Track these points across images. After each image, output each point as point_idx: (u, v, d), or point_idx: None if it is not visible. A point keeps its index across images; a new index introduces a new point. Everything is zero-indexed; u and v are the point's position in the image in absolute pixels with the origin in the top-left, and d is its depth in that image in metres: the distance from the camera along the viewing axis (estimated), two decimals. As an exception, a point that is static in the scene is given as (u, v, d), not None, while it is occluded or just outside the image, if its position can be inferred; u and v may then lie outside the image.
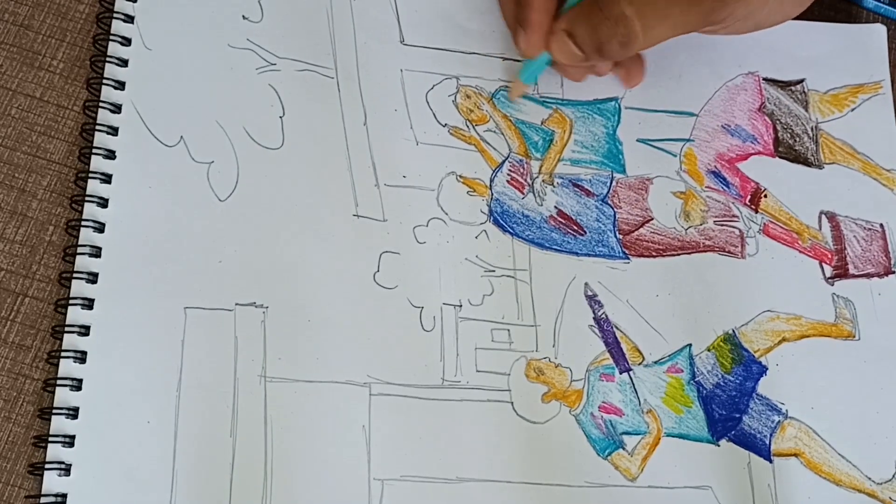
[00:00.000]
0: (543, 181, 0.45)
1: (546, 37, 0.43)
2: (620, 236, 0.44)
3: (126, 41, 0.43)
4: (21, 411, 0.38)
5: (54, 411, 0.37)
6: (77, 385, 0.37)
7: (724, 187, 0.46)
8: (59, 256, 0.40)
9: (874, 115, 0.49)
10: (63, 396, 0.37)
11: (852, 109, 0.49)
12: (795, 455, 0.42)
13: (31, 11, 0.44)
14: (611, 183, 0.45)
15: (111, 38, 0.43)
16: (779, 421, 0.42)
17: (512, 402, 0.41)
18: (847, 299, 0.45)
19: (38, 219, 0.41)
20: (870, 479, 0.42)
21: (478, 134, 0.45)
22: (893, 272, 0.46)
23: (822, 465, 0.42)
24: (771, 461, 0.41)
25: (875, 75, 0.50)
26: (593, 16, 0.41)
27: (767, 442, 0.42)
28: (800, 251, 0.46)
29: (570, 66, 0.45)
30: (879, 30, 0.50)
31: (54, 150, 0.42)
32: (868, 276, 0.46)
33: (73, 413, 0.37)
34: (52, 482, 0.36)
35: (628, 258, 0.44)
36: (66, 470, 0.36)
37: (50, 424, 0.37)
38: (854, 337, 0.44)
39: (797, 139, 0.48)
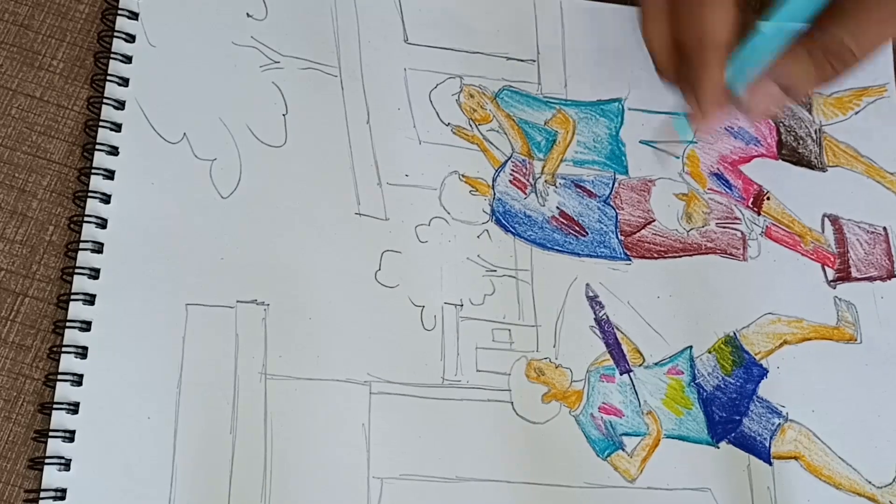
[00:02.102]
0: (546, 181, 0.45)
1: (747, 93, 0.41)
2: (622, 237, 0.44)
3: (130, 38, 0.43)
4: (21, 411, 0.38)
5: (55, 406, 0.37)
6: (78, 380, 0.37)
7: (727, 189, 0.46)
8: (59, 256, 0.40)
9: (878, 118, 0.49)
10: (64, 392, 0.37)
11: (856, 112, 0.49)
12: (795, 458, 0.42)
13: (31, 11, 0.43)
14: (613, 184, 0.45)
15: (115, 34, 0.43)
16: (779, 424, 0.42)
17: (512, 402, 0.41)
18: (849, 302, 0.45)
19: (38, 219, 0.40)
20: (870, 482, 0.42)
21: (481, 133, 0.45)
22: (896, 276, 0.46)
23: (822, 468, 0.42)
24: (771, 464, 0.41)
25: (879, 79, 0.50)
26: (815, 56, 0.39)
27: (767, 444, 0.42)
28: (802, 254, 0.46)
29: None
30: (884, 34, 0.50)
31: (54, 149, 0.42)
32: (871, 279, 0.46)
33: (74, 408, 0.37)
34: (52, 477, 0.36)
35: (630, 259, 0.44)
36: (66, 465, 0.36)
37: (50, 419, 0.37)
38: (856, 340, 0.44)
39: (800, 142, 0.48)
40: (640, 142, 0.46)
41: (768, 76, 0.41)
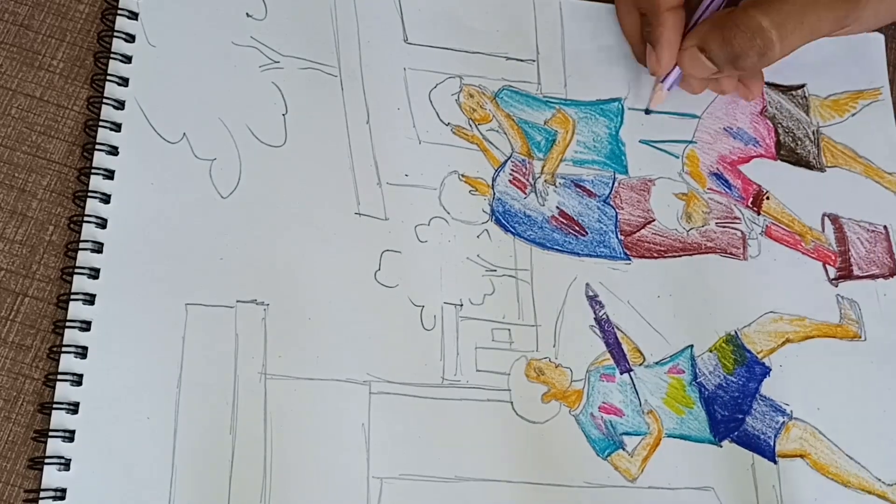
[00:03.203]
0: (545, 181, 0.45)
1: (677, 53, 0.43)
2: (622, 237, 0.44)
3: (130, 38, 0.43)
4: (21, 411, 0.38)
5: (55, 406, 0.37)
6: (78, 380, 0.37)
7: (726, 189, 0.46)
8: (59, 256, 0.40)
9: (874, 120, 0.49)
10: (63, 391, 0.37)
11: (853, 114, 0.49)
12: (801, 456, 0.42)
13: (31, 11, 0.44)
14: (613, 184, 0.45)
15: (115, 34, 0.43)
16: (783, 422, 0.42)
17: (512, 402, 0.41)
18: (852, 300, 0.45)
19: (38, 218, 0.40)
20: (880, 480, 0.42)
21: (480, 133, 0.45)
22: (898, 274, 0.46)
23: (830, 466, 0.42)
24: (776, 462, 0.41)
25: (875, 82, 0.50)
26: (728, 29, 0.41)
27: (771, 443, 0.42)
28: (803, 253, 0.46)
29: (697, 78, 0.45)
30: (878, 38, 0.51)
31: (54, 149, 0.42)
32: (873, 277, 0.46)
33: (74, 408, 0.37)
34: (51, 477, 0.36)
35: (630, 259, 0.44)
36: (66, 465, 0.36)
37: (50, 419, 0.37)
38: (860, 337, 0.44)
39: (799, 142, 0.48)
40: (639, 141, 0.46)
41: (692, 40, 0.43)
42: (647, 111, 0.47)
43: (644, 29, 0.45)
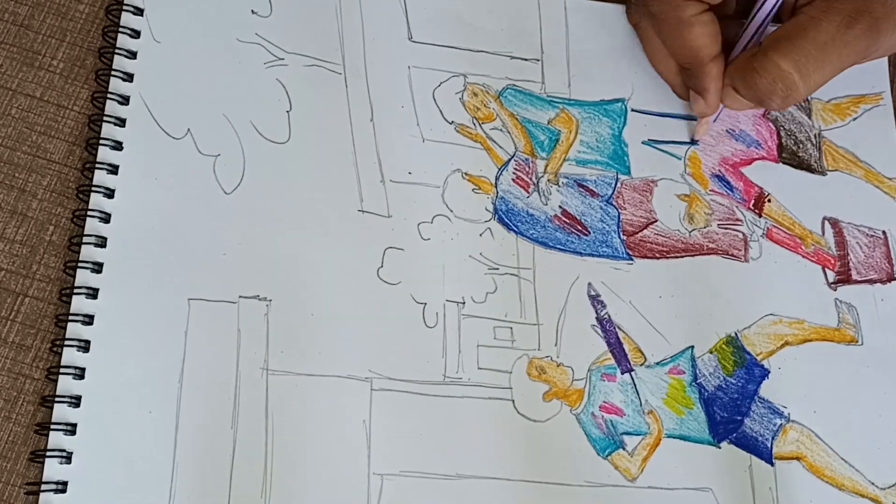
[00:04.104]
0: (549, 180, 0.45)
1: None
2: (624, 237, 0.45)
3: (135, 33, 0.43)
4: (21, 411, 0.38)
5: (57, 399, 0.37)
6: (80, 374, 0.37)
7: (728, 191, 0.47)
8: (59, 256, 0.40)
9: (875, 125, 0.49)
10: (66, 385, 0.37)
11: (854, 119, 0.49)
12: (797, 458, 0.42)
13: (31, 11, 0.43)
14: (615, 184, 0.46)
15: (120, 30, 0.43)
16: (781, 424, 0.42)
17: (513, 400, 0.41)
18: (850, 304, 0.45)
19: (38, 219, 0.40)
20: (873, 483, 0.42)
21: (484, 132, 0.45)
22: (896, 278, 0.46)
23: (825, 469, 0.42)
24: (772, 464, 0.41)
25: (876, 86, 0.50)
26: (749, 74, 0.41)
27: (769, 445, 0.42)
28: (803, 256, 0.46)
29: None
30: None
31: (54, 150, 0.41)
32: (871, 281, 0.46)
33: (76, 402, 0.37)
34: (53, 470, 0.36)
35: (632, 259, 0.44)
36: (68, 458, 0.36)
37: (52, 413, 0.37)
38: (857, 342, 0.44)
39: (800, 146, 0.48)
40: (642, 142, 0.47)
41: (727, 79, 0.44)
42: (693, 141, 0.47)
43: (687, 78, 0.45)
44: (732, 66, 0.43)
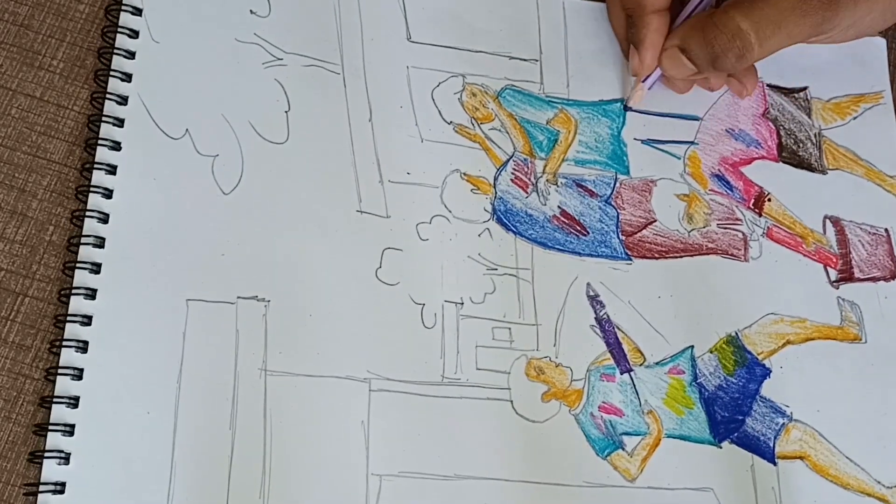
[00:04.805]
0: (547, 181, 0.45)
1: (659, 54, 0.44)
2: (623, 237, 0.44)
3: (134, 33, 0.43)
4: (21, 411, 0.38)
5: (55, 400, 0.37)
6: (78, 374, 0.37)
7: (728, 191, 0.46)
8: (59, 256, 0.40)
9: (876, 123, 0.49)
10: (64, 385, 0.37)
11: (854, 118, 0.49)
12: (801, 458, 0.42)
13: (31, 11, 0.43)
14: (614, 184, 0.45)
15: (119, 30, 0.43)
16: (783, 423, 0.42)
17: (511, 401, 0.41)
18: (853, 303, 0.45)
19: (38, 219, 0.40)
20: (879, 482, 0.42)
21: (483, 132, 0.45)
22: (899, 276, 0.46)
23: (829, 468, 0.42)
24: (775, 464, 0.41)
25: (876, 85, 0.50)
26: (708, 30, 0.42)
27: (771, 444, 0.42)
28: (804, 255, 0.46)
29: (680, 79, 0.46)
30: (879, 42, 0.51)
31: (54, 150, 0.41)
32: (874, 279, 0.46)
33: (74, 402, 0.37)
34: (51, 470, 0.36)
35: (631, 259, 0.44)
36: (66, 459, 0.36)
37: (50, 413, 0.37)
38: (860, 340, 0.44)
39: (800, 145, 0.48)
40: (641, 142, 0.47)
41: (673, 40, 0.44)
42: (626, 108, 0.47)
43: (629, 29, 0.46)
44: (687, 24, 0.43)
